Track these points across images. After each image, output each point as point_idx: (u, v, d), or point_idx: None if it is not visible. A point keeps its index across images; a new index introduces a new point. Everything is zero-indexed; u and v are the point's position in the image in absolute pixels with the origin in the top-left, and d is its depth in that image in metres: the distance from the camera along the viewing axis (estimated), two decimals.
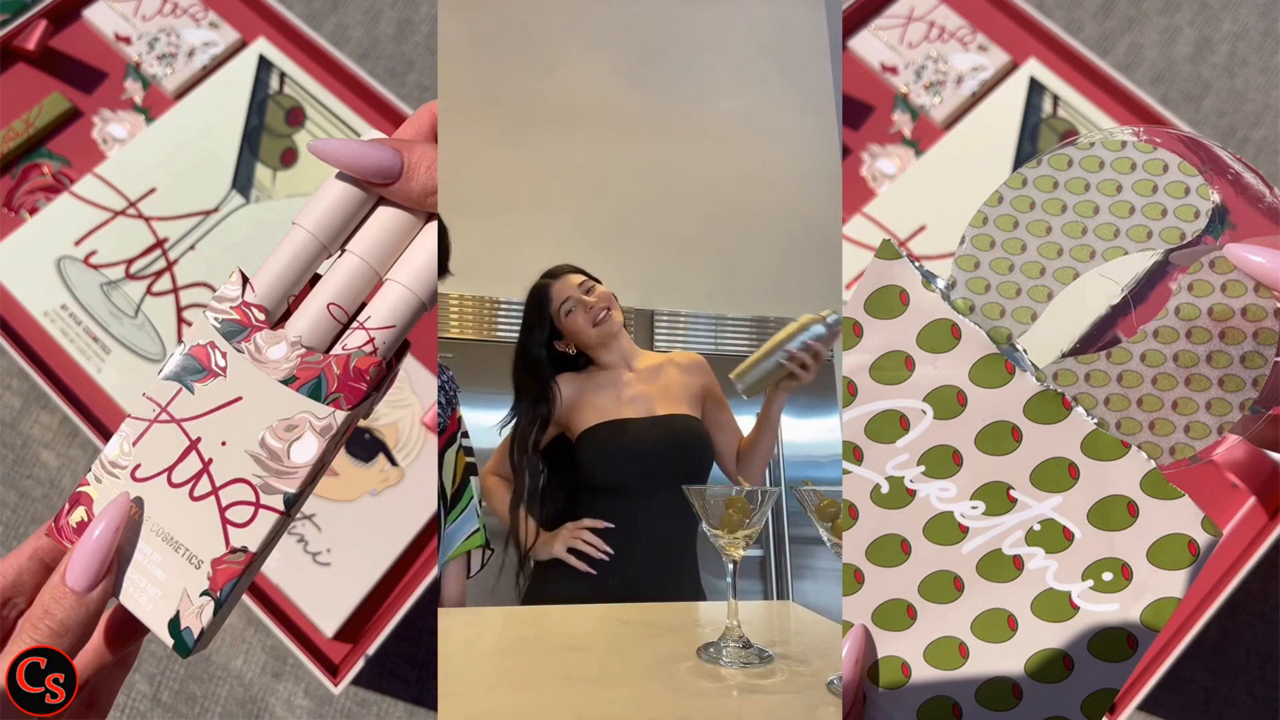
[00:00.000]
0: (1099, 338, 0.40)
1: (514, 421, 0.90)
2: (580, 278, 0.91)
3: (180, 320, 0.94)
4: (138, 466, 0.42)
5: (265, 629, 0.94)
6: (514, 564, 0.90)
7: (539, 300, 0.91)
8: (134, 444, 0.42)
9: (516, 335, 0.92)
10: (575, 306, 0.89)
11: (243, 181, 1.00)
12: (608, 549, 0.84)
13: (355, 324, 0.43)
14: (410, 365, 0.94)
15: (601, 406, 0.89)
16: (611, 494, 0.88)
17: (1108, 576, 0.39)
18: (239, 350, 0.42)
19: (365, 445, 0.91)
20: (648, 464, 0.88)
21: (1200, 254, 0.39)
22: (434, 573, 0.86)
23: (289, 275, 0.43)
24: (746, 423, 0.96)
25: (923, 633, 0.41)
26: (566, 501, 0.91)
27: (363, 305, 0.43)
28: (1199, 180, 0.40)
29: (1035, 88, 1.04)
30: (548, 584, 0.87)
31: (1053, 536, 0.40)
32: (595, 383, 0.91)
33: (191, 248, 0.97)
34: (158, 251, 0.96)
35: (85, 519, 0.42)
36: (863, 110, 1.04)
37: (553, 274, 0.92)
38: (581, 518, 0.88)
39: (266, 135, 1.02)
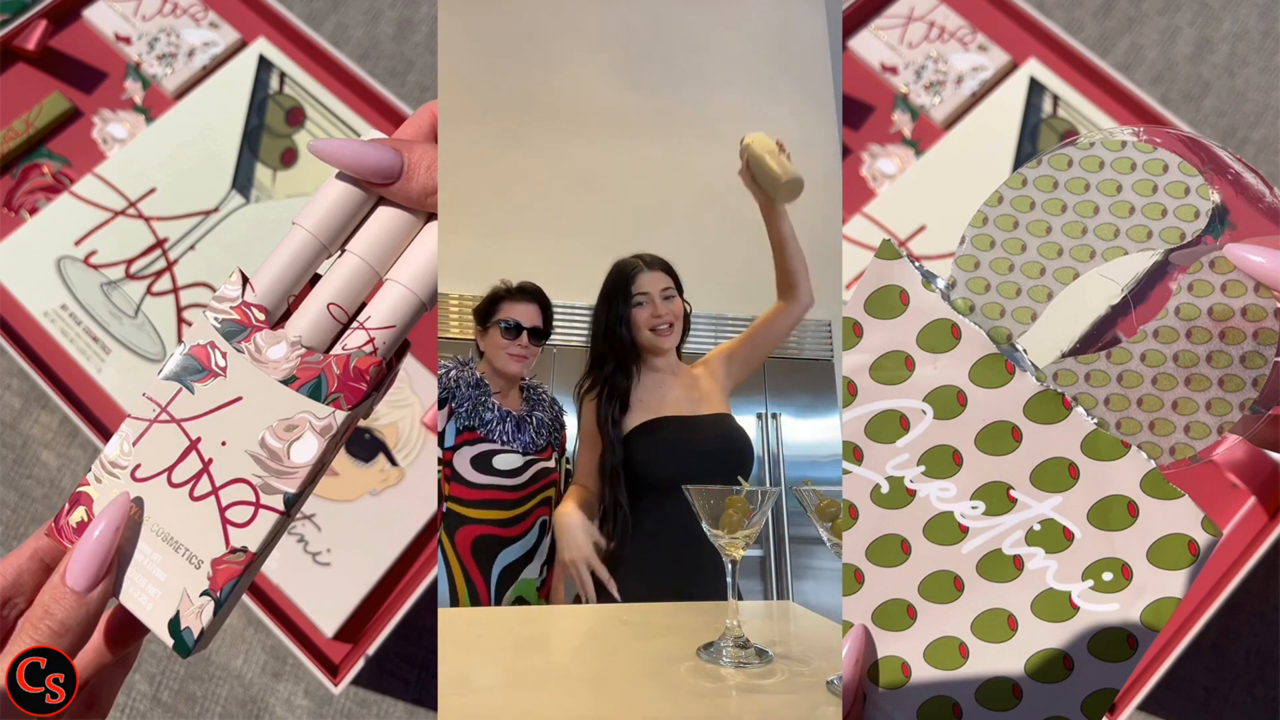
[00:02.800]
0: (1099, 338, 0.40)
1: (598, 391, 0.92)
2: (668, 281, 0.93)
3: (180, 320, 0.94)
4: (138, 466, 0.42)
5: (265, 629, 0.94)
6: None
7: (626, 278, 0.92)
8: (134, 444, 0.42)
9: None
10: (646, 303, 0.91)
11: (243, 181, 1.00)
12: (591, 595, 0.85)
13: (355, 324, 0.43)
14: (410, 365, 0.94)
15: (649, 405, 0.91)
16: (662, 492, 0.88)
17: (1108, 576, 0.39)
18: (239, 350, 0.42)
19: (365, 445, 0.91)
20: (695, 461, 0.88)
21: (1200, 254, 0.39)
22: (433, 573, 0.87)
23: (289, 275, 0.43)
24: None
25: (923, 633, 0.41)
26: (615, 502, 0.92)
27: (363, 305, 0.43)
28: (1199, 180, 0.40)
29: (1035, 88, 1.04)
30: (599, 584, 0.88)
31: (1053, 536, 0.40)
32: (641, 384, 0.92)
33: (191, 248, 0.97)
34: (158, 251, 0.96)
35: (85, 519, 0.42)
36: (863, 110, 1.04)
37: (647, 262, 0.93)
38: (630, 520, 0.89)
39: (266, 135, 1.02)
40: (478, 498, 0.89)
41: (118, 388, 0.92)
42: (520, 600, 0.90)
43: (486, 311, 0.95)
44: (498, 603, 0.88)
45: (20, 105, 1.00)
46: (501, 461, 0.90)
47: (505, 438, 0.91)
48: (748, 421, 1.63)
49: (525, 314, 0.95)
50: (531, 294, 0.97)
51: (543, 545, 0.92)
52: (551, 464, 0.94)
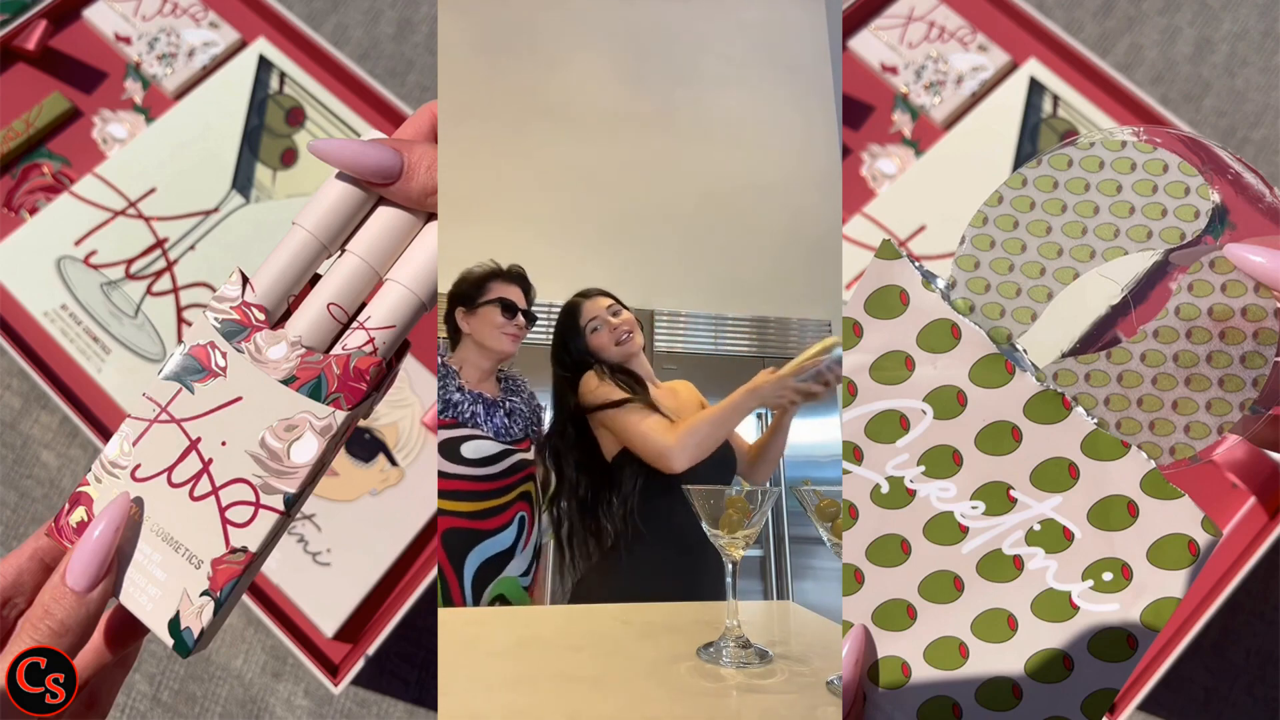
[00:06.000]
0: (1099, 338, 0.40)
1: (555, 425, 0.95)
2: (609, 300, 0.96)
3: (180, 320, 0.94)
4: (138, 466, 0.42)
5: (265, 629, 0.94)
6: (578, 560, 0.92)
7: (571, 315, 0.96)
8: (134, 444, 0.42)
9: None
10: (601, 325, 0.94)
11: (243, 181, 1.00)
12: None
13: (355, 324, 0.43)
14: (410, 365, 0.95)
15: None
16: (662, 493, 0.89)
17: (1108, 576, 0.39)
18: (239, 350, 0.42)
19: (365, 445, 0.91)
20: (691, 471, 0.88)
21: (1200, 254, 0.39)
22: (433, 573, 0.87)
23: (289, 275, 0.43)
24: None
25: (923, 633, 0.41)
26: (611, 509, 0.92)
27: (363, 305, 0.43)
28: (1199, 180, 0.40)
29: (1035, 88, 1.04)
30: (595, 586, 0.88)
31: (1053, 536, 0.40)
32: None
33: (191, 248, 0.97)
34: (158, 251, 0.96)
35: (85, 519, 0.42)
36: (863, 110, 1.04)
37: (584, 294, 0.97)
38: (630, 527, 0.90)
39: (266, 135, 1.02)
40: (444, 488, 0.87)
41: (118, 388, 0.92)
42: (502, 599, 0.88)
43: (475, 292, 0.92)
44: (475, 601, 0.86)
45: (20, 105, 1.00)
46: (471, 449, 0.87)
47: (475, 420, 0.88)
48: (748, 420, 1.63)
49: (517, 296, 0.93)
50: (521, 278, 0.95)
51: (524, 541, 0.89)
52: (530, 456, 0.92)
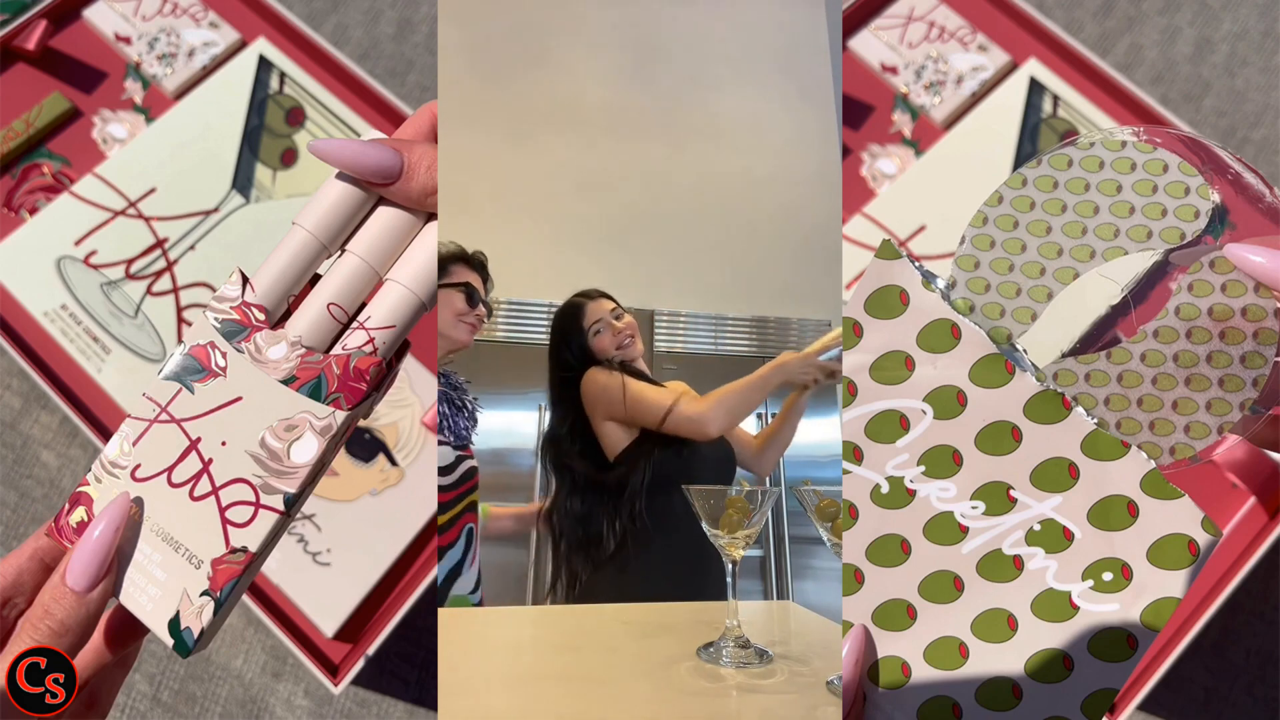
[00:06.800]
0: (1099, 338, 0.40)
1: (555, 425, 0.95)
2: (611, 304, 0.96)
3: (180, 320, 0.94)
4: (138, 466, 0.42)
5: (265, 629, 0.94)
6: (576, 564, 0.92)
7: (574, 315, 0.95)
8: (134, 444, 0.42)
9: (547, 346, 0.98)
10: (604, 328, 0.94)
11: (243, 181, 1.00)
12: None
13: (355, 324, 0.43)
14: (410, 365, 0.95)
15: None
16: (663, 493, 0.89)
17: (1108, 576, 0.39)
18: (239, 350, 0.42)
19: (365, 445, 0.91)
20: (701, 463, 0.89)
21: (1200, 254, 0.39)
22: (433, 573, 0.86)
23: (289, 275, 0.43)
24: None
25: (923, 633, 0.41)
26: (615, 509, 0.92)
27: (363, 305, 0.43)
28: (1199, 180, 0.40)
29: (1035, 88, 1.04)
30: (599, 586, 0.88)
31: (1053, 536, 0.40)
32: None
33: (191, 248, 0.97)
34: (158, 251, 0.96)
35: (85, 519, 0.42)
36: (863, 110, 1.04)
37: (586, 295, 0.97)
38: (635, 526, 0.90)
39: (266, 135, 1.02)
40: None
41: (118, 388, 0.92)
42: None
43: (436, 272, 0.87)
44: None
45: (20, 105, 1.00)
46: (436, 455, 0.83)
47: (444, 423, 0.84)
48: (747, 421, 1.63)
49: (478, 284, 0.87)
50: (483, 266, 0.89)
51: (471, 555, 0.86)
52: (476, 463, 0.88)
